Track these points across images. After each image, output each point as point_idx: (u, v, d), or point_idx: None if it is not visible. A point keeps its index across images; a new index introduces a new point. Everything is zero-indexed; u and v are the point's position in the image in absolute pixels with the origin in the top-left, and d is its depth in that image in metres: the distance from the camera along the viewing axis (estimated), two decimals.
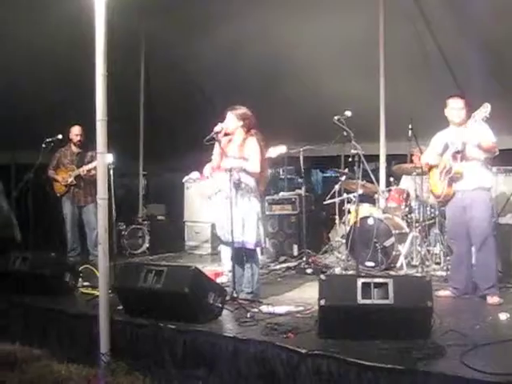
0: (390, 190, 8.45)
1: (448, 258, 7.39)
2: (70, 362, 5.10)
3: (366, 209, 8.24)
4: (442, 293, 6.22)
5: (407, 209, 8.20)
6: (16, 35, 9.14)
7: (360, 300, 4.58)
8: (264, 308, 5.68)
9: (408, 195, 8.25)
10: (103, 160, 5.24)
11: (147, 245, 10.13)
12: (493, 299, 5.89)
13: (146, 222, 10.49)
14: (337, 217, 8.75)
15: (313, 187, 13.86)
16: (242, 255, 6.10)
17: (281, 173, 10.87)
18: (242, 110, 6.21)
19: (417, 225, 7.85)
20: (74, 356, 5.27)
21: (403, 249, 7.74)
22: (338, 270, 7.68)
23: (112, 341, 5.07)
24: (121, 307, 5.60)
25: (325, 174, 14.66)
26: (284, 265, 8.50)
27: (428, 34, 9.20)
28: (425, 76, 9.46)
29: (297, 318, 5.35)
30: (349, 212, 8.33)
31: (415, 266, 7.58)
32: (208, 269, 7.33)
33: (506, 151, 7.22)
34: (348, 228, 8.03)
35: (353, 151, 6.70)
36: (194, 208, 9.98)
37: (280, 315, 5.45)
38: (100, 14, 5.11)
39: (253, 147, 6.05)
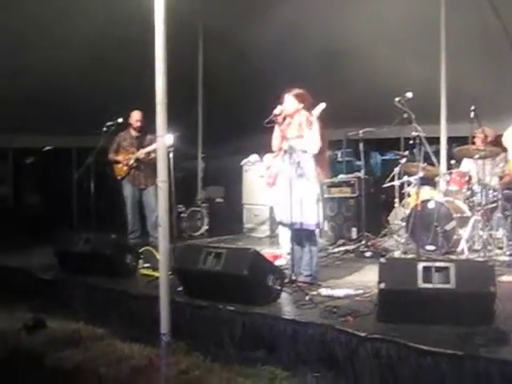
0: (451, 173, 8.27)
1: (511, 242, 7.23)
2: (133, 341, 5.19)
3: (426, 192, 8.09)
4: (505, 278, 6.08)
5: (469, 192, 8.01)
6: (81, 22, 9.27)
7: (420, 284, 4.52)
8: (323, 291, 5.67)
9: (470, 178, 8.07)
10: (163, 143, 5.28)
11: (206, 227, 10.21)
12: None
13: (204, 205, 10.56)
14: (396, 200, 8.63)
15: (371, 170, 13.71)
16: (301, 237, 6.09)
17: (339, 155, 10.79)
18: (301, 91, 6.18)
19: (479, 208, 7.67)
20: (135, 335, 5.37)
21: (465, 233, 7.58)
22: (397, 254, 7.59)
23: (172, 321, 5.13)
24: (180, 288, 5.67)
25: (384, 157, 14.48)
26: (342, 248, 8.44)
27: (492, 12, 8.92)
28: (488, 56, 9.20)
29: (356, 302, 5.32)
30: (408, 195, 8.21)
31: (477, 251, 7.41)
32: (266, 251, 7.33)
33: None
34: (408, 211, 7.91)
35: (413, 133, 6.59)
36: (253, 190, 9.99)
37: (339, 298, 5.45)
38: None
39: (312, 129, 6.01)
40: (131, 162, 8.52)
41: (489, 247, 7.34)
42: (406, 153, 8.20)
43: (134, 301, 5.85)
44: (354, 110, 9.94)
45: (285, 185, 5.97)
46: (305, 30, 10.03)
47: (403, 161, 8.19)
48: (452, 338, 4.18)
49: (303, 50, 10.37)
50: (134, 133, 8.66)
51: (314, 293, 5.59)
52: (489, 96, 7.37)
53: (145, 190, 8.61)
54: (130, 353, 4.88)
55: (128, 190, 8.64)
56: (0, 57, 9.13)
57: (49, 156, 14.22)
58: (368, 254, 7.82)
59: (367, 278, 6.12)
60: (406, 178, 8.34)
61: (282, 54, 10.71)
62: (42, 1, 8.74)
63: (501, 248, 7.50)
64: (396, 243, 8.22)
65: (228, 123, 11.93)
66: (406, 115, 6.67)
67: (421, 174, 7.10)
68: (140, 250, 7.23)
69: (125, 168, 8.58)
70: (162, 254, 5.23)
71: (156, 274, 6.25)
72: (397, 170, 8.44)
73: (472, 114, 7.15)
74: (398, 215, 8.70)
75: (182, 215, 9.93)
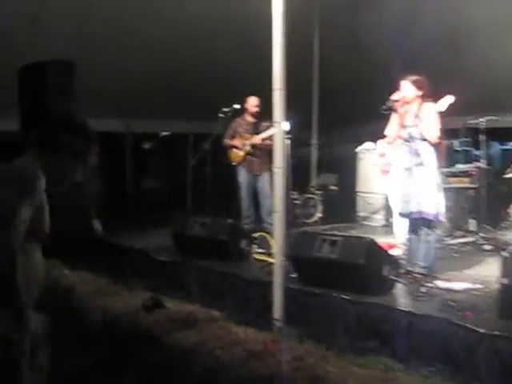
0: None
1: None
2: (247, 325, 5.24)
3: None
4: None
5: None
6: (196, 8, 9.43)
7: None
8: (440, 283, 5.52)
9: None
10: (280, 129, 5.28)
11: (319, 214, 10.17)
12: None
13: (318, 192, 10.52)
14: None
15: (491, 160, 13.20)
16: (418, 227, 5.94)
17: (455, 144, 10.43)
18: (420, 78, 6.01)
19: None
20: (248, 320, 5.42)
21: None
22: None
23: (285, 308, 5.14)
24: (294, 275, 5.67)
25: (504, 147, 13.91)
26: (460, 240, 8.17)
27: None
28: None
29: (475, 296, 5.15)
30: None
31: None
32: (381, 240, 7.20)
33: None
34: None
35: None
36: (368, 178, 9.85)
37: (457, 292, 5.27)
38: None
39: (431, 116, 5.84)
40: (247, 147, 8.60)
41: None
42: None
43: (248, 285, 5.91)
44: (473, 98, 9.59)
45: (402, 173, 5.84)
46: (423, 15, 9.75)
47: None
48: None
49: (422, 37, 10.09)
50: (250, 119, 8.72)
51: (430, 285, 5.45)
52: None
53: (259, 175, 8.66)
54: (244, 337, 4.93)
55: (243, 176, 8.72)
56: (122, 39, 9.42)
57: (166, 141, 14.62)
58: (487, 247, 7.53)
59: (486, 272, 5.89)
60: None
61: (398, 40, 10.46)
62: None
63: None
64: None
65: (342, 110, 11.82)
66: None
67: None
68: (254, 236, 7.29)
69: (240, 154, 8.67)
70: (277, 240, 5.25)
71: (269, 259, 6.31)
72: None
73: None
74: None
75: (296, 202, 9.94)
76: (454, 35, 9.80)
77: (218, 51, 10.13)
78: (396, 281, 5.42)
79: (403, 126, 5.93)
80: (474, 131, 8.19)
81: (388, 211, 8.68)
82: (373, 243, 5.34)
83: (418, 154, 5.80)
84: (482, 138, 8.16)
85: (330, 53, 11.53)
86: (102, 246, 7.93)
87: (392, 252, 6.65)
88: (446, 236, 8.41)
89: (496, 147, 14.20)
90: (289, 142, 7.87)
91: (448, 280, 5.61)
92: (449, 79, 9.08)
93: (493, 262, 5.94)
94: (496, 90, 9.08)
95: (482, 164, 8.24)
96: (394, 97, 5.93)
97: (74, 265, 7.37)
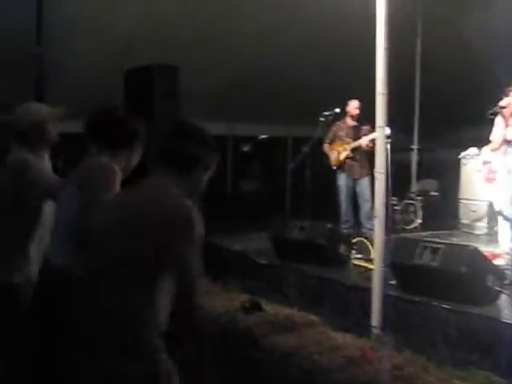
0: None
1: None
2: (345, 331, 5.20)
3: None
4: None
5: None
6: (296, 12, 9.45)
7: None
8: None
9: None
10: (382, 134, 5.23)
11: (419, 220, 9.98)
12: None
13: (418, 198, 10.32)
14: None
15: None
16: None
17: None
18: None
19: None
20: (346, 325, 5.38)
21: None
22: None
23: (383, 315, 5.08)
24: (394, 282, 5.59)
25: None
26: None
27: None
28: None
29: None
30: None
31: None
32: (484, 249, 6.99)
33: None
34: None
35: None
36: (471, 185, 9.58)
37: None
38: None
39: None
40: (347, 152, 8.55)
41: None
42: None
43: (346, 291, 5.87)
44: None
45: (509, 179, 5.66)
46: None
47: None
48: None
49: None
50: (350, 122, 8.67)
51: None
52: None
53: (359, 180, 8.61)
54: (342, 342, 4.88)
55: (342, 180, 8.69)
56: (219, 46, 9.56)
57: (264, 144, 14.72)
58: None
59: None
60: None
61: (506, 45, 10.12)
62: None
63: None
64: None
65: (445, 114, 11.56)
66: None
67: None
68: (353, 241, 7.24)
69: (340, 157, 8.63)
70: (377, 246, 5.20)
71: (368, 265, 6.25)
72: None
73: None
74: None
75: (396, 207, 9.79)
76: None
77: (318, 55, 10.12)
78: (500, 292, 5.24)
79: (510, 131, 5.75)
80: None
81: (492, 219, 8.41)
82: (476, 252, 5.19)
83: None
84: None
85: (433, 55, 11.30)
86: (201, 246, 8.04)
87: (496, 262, 6.46)
88: None
89: None
90: (389, 146, 7.77)
91: None
92: None
93: None
94: None
95: None
96: (503, 102, 5.75)
97: None
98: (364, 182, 8.49)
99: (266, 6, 9.17)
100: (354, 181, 8.65)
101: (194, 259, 2.57)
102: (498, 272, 5.34)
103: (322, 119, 8.23)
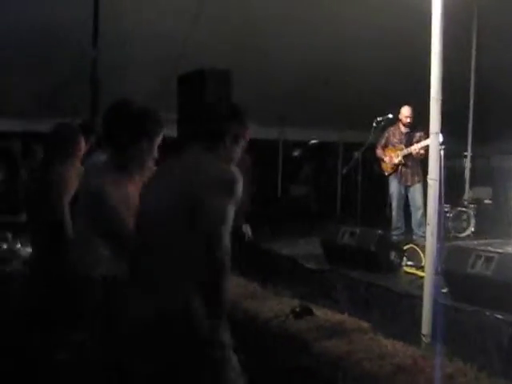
0: None
1: None
2: (395, 338, 5.16)
3: None
4: None
5: None
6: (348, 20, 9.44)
7: None
8: None
9: None
10: (436, 140, 5.18)
11: (472, 229, 9.82)
12: None
13: (471, 205, 10.17)
14: None
15: None
16: None
17: None
18: None
19: None
20: (396, 333, 5.34)
21: None
22: None
23: (434, 323, 5.02)
24: (445, 290, 5.52)
25: None
26: None
27: None
28: None
29: None
30: None
31: None
32: None
33: None
34: None
35: None
36: None
37: None
38: None
39: None
40: (399, 158, 8.48)
41: None
42: None
43: (397, 298, 5.81)
44: None
45: None
46: None
47: None
48: None
49: None
50: (403, 129, 8.59)
51: None
52: None
53: (411, 187, 8.53)
54: (392, 350, 4.85)
55: (394, 187, 8.62)
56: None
57: (315, 149, 14.71)
58: None
59: None
60: None
61: None
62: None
63: None
64: None
65: (501, 121, 11.35)
66: None
67: None
68: (404, 248, 7.17)
69: (392, 164, 8.56)
70: (428, 254, 5.14)
71: (419, 272, 6.19)
72: None
73: None
74: None
75: (448, 215, 9.65)
76: None
77: (371, 62, 10.07)
78: None
79: None
80: None
81: None
82: None
83: None
84: None
85: (488, 60, 11.13)
86: (251, 250, 8.09)
87: None
88: None
89: None
90: (443, 152, 7.68)
91: None
92: None
93: None
94: None
95: None
96: None
97: None
98: (416, 189, 8.41)
99: (315, 12, 9.21)
100: (406, 187, 8.57)
101: (226, 227, 2.80)
102: None
103: (374, 125, 8.18)
